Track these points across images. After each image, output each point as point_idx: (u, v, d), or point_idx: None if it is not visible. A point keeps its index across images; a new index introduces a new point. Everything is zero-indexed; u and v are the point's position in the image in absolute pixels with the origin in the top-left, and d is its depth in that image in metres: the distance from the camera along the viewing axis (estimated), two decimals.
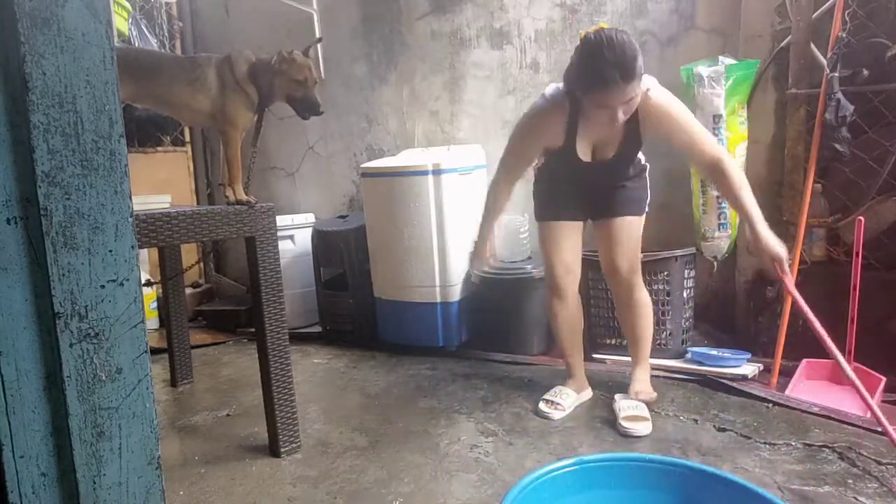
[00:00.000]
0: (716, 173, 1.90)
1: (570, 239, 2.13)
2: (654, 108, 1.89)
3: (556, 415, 2.10)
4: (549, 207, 2.16)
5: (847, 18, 2.15)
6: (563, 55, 2.99)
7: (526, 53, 3.07)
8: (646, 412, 2.01)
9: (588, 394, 2.26)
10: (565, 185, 2.12)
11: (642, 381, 2.16)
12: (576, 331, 2.24)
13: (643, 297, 2.14)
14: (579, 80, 1.81)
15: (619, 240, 2.07)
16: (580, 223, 2.15)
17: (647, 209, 2.13)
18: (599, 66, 1.71)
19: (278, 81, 1.90)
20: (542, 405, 2.15)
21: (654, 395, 2.14)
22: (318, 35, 3.49)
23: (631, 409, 2.01)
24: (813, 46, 2.28)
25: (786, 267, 1.81)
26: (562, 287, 2.13)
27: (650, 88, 1.86)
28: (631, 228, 2.08)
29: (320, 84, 3.55)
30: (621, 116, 1.78)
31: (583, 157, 2.00)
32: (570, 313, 2.19)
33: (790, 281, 1.85)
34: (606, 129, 1.92)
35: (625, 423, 1.96)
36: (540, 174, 2.19)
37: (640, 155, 2.10)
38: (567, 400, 2.15)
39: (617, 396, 2.11)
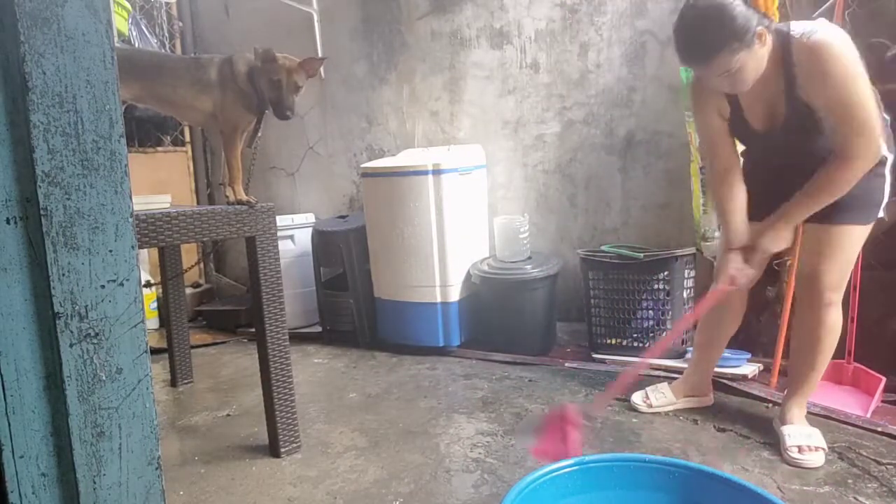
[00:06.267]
0: (827, 160, 1.59)
1: None
2: (805, 59, 1.56)
3: (643, 408, 2.11)
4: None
5: (847, 18, 2.15)
6: (563, 55, 2.99)
7: (526, 53, 3.07)
8: (821, 440, 1.77)
9: (693, 402, 2.11)
10: (762, 175, 1.84)
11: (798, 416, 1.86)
12: (712, 327, 2.03)
13: (837, 320, 1.77)
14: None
15: (824, 249, 1.70)
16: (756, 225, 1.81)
17: (881, 214, 1.71)
18: (678, 44, 1.62)
19: (260, 79, 1.87)
20: (635, 395, 2.14)
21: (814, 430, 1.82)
22: (317, 35, 3.50)
23: (802, 437, 1.78)
24: None
25: (748, 264, 1.72)
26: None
27: (810, 32, 1.55)
28: (843, 238, 1.70)
29: (319, 84, 3.58)
30: (727, 87, 1.65)
31: (754, 124, 1.75)
32: (716, 317, 1.99)
33: (724, 283, 1.77)
34: (757, 91, 1.66)
35: (793, 453, 1.74)
36: (743, 164, 1.93)
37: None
38: (658, 399, 2.12)
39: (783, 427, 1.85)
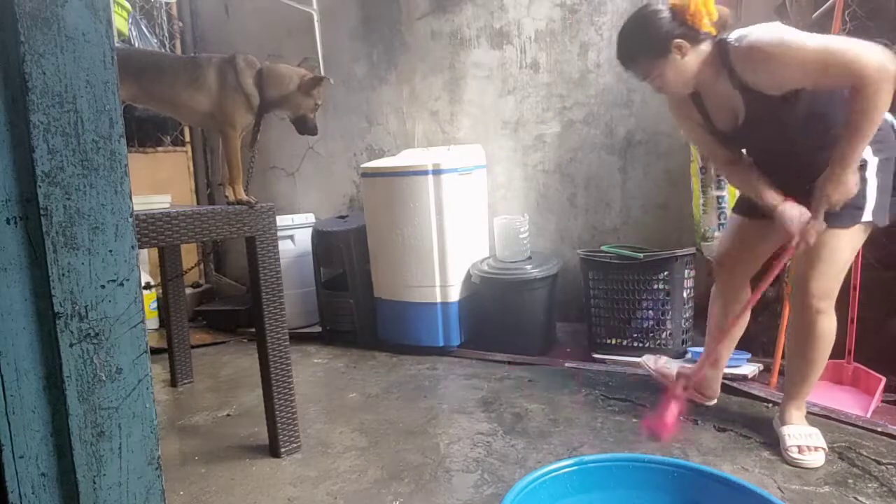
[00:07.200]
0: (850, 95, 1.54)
1: (739, 235, 1.93)
2: (745, 62, 1.64)
3: (651, 364, 2.28)
4: (739, 198, 2.00)
5: (847, 18, 2.15)
6: (563, 55, 2.99)
7: (526, 53, 3.07)
8: (821, 440, 1.77)
9: (698, 397, 2.10)
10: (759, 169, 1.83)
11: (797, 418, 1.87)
12: (718, 326, 2.03)
13: (827, 328, 1.75)
14: None
15: (809, 254, 1.69)
16: (755, 222, 1.85)
17: (868, 218, 1.67)
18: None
19: (299, 100, 1.94)
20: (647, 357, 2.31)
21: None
22: (317, 35, 3.50)
23: (802, 437, 1.78)
24: None
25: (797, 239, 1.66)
26: (716, 272, 2.04)
27: (742, 37, 1.64)
28: (827, 242, 1.68)
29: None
30: (660, 89, 1.79)
31: (722, 126, 1.81)
32: (719, 303, 2.03)
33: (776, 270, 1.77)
34: (708, 91, 1.77)
35: (793, 453, 1.75)
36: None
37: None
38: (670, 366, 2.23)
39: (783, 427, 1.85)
